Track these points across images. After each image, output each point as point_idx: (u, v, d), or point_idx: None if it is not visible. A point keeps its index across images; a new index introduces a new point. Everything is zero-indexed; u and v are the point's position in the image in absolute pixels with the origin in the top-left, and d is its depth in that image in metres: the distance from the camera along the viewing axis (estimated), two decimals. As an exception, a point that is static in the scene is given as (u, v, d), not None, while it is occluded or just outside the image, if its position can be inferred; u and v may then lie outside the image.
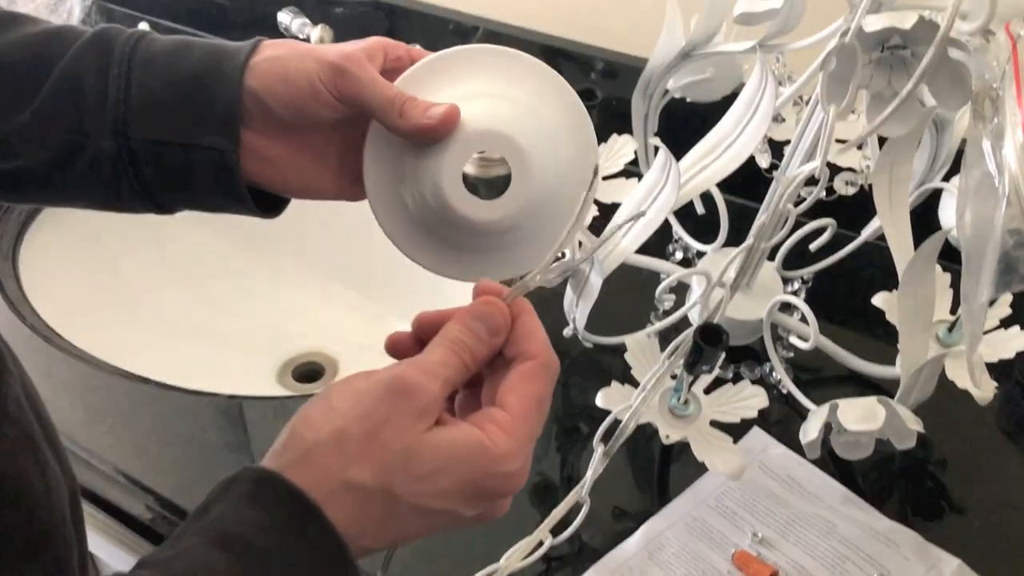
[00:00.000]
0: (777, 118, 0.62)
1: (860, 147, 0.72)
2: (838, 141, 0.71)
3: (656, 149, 0.62)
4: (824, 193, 0.55)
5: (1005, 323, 0.68)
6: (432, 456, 0.37)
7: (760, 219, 0.58)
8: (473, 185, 0.48)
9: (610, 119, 0.93)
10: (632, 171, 0.74)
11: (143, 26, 1.15)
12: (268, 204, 0.52)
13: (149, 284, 1.03)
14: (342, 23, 1.09)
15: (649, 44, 0.72)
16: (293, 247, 1.06)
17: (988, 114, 0.47)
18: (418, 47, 0.52)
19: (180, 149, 0.47)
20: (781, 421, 0.75)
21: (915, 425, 0.58)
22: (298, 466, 0.37)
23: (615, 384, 0.62)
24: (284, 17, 1.06)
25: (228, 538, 0.35)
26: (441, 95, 0.49)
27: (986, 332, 0.67)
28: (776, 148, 0.70)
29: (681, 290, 0.83)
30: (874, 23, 0.47)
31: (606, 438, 0.59)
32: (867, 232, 0.77)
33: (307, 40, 1.04)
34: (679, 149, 0.65)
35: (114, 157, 0.47)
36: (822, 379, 0.78)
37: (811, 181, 0.54)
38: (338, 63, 0.47)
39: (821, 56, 0.51)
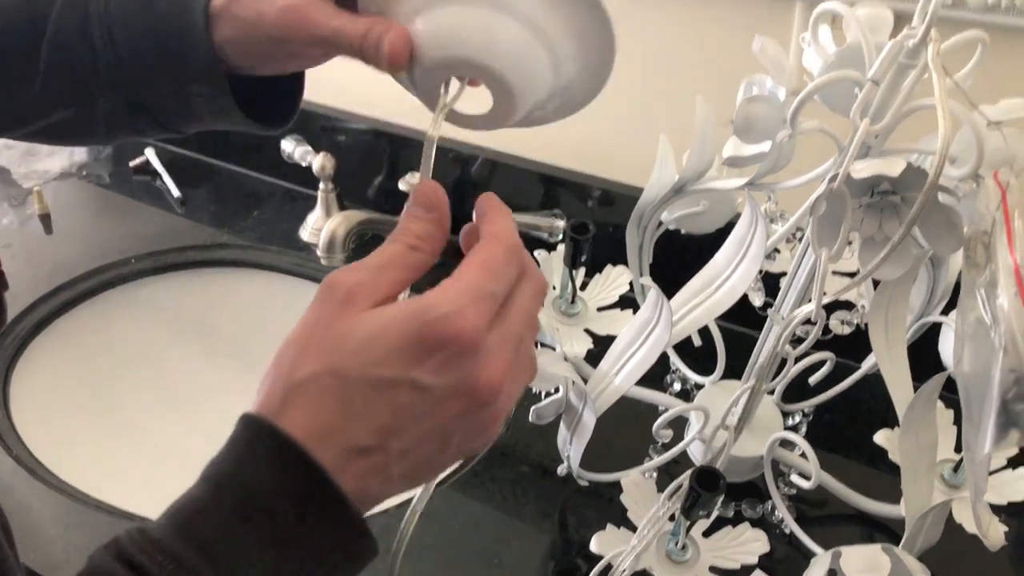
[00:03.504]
0: (770, 255, 0.61)
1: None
2: (834, 273, 0.71)
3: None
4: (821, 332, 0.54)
5: (1013, 462, 0.66)
6: (366, 329, 0.37)
7: (759, 361, 0.57)
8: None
9: (607, 246, 0.93)
10: (629, 297, 0.74)
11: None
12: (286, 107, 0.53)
13: (141, 412, 1.01)
14: (344, 151, 1.11)
15: (644, 173, 0.72)
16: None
17: (981, 261, 0.46)
18: None
19: (177, 97, 0.49)
20: (785, 560, 0.72)
21: (923, 575, 0.56)
22: (259, 396, 0.38)
23: (610, 528, 0.60)
24: (287, 145, 1.08)
25: (207, 475, 0.37)
26: None
27: (993, 472, 0.65)
28: (771, 279, 0.69)
29: (680, 422, 0.82)
30: (862, 170, 0.47)
31: (600, 587, 0.56)
32: (867, 364, 0.76)
33: (309, 168, 1.06)
34: (675, 277, 0.64)
35: (124, 107, 0.50)
36: (827, 516, 0.76)
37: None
38: (281, 32, 0.45)
39: (810, 200, 0.51)
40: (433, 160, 0.42)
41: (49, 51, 0.49)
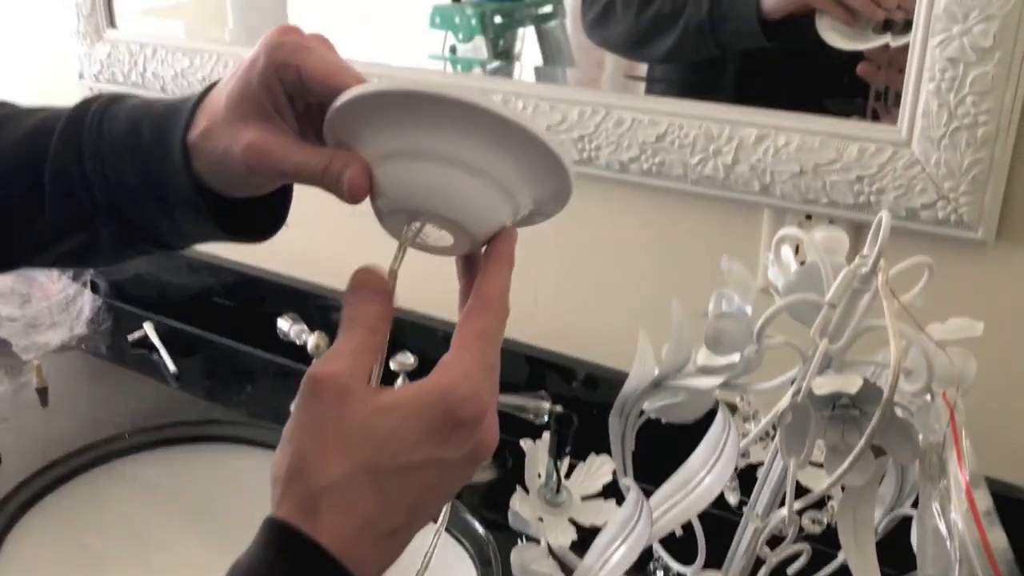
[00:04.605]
0: (745, 454, 0.65)
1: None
2: (812, 464, 0.74)
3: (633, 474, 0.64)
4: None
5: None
6: (387, 419, 0.39)
7: (736, 561, 0.60)
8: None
9: (592, 426, 0.96)
10: (614, 484, 0.76)
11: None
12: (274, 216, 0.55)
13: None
14: (337, 329, 1.15)
15: (626, 357, 0.76)
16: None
17: (936, 473, 0.50)
18: (318, 47, 0.46)
19: (168, 220, 0.52)
20: None
21: None
22: (281, 503, 0.39)
23: None
24: (283, 324, 1.12)
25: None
26: (377, 139, 0.43)
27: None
28: (749, 468, 0.72)
29: (663, 611, 0.82)
30: (822, 386, 0.51)
31: None
32: (843, 556, 0.78)
33: (304, 346, 1.10)
34: (658, 462, 0.67)
35: (124, 231, 0.53)
36: None
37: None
38: (246, 168, 0.47)
39: (776, 409, 0.55)
40: (395, 294, 0.44)
41: (51, 182, 0.52)
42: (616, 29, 0.93)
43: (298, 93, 0.47)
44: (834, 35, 0.78)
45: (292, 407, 0.42)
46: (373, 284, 0.44)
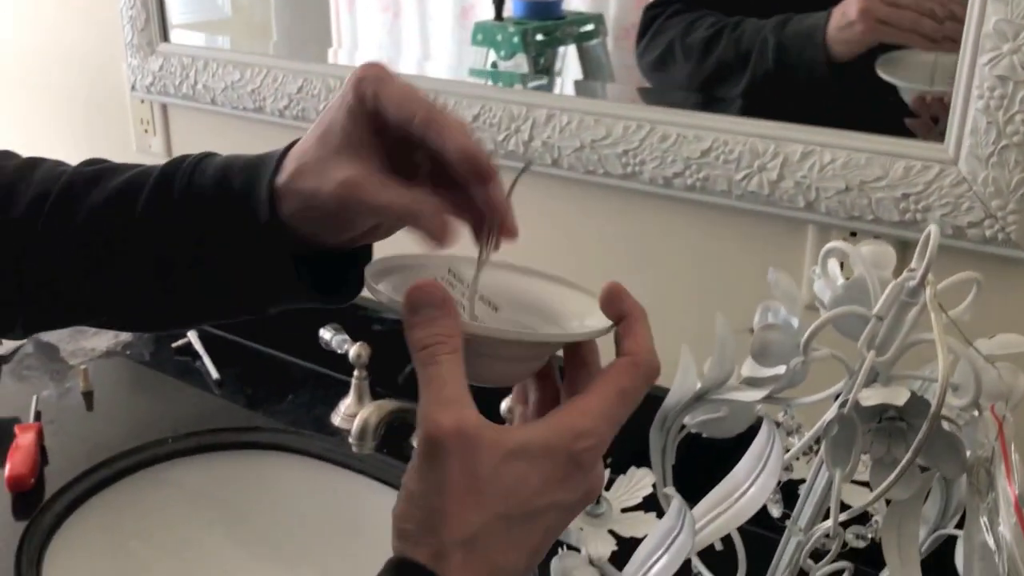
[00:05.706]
0: (789, 468, 0.65)
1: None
2: (854, 483, 0.74)
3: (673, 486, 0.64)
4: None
5: None
6: (518, 457, 0.41)
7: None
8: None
9: (632, 442, 0.96)
10: (653, 498, 0.76)
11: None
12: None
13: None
14: (381, 339, 1.16)
15: (669, 371, 0.76)
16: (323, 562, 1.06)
17: (984, 487, 0.50)
18: (398, 79, 0.47)
19: (251, 274, 0.52)
20: None
21: None
22: (418, 550, 0.41)
23: None
24: (325, 333, 1.14)
25: None
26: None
27: None
28: (792, 484, 0.72)
29: (701, 627, 0.82)
30: (869, 397, 0.51)
31: None
32: (885, 573, 0.77)
33: (345, 355, 1.11)
34: (698, 476, 0.67)
35: (205, 286, 0.54)
36: None
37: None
38: (336, 203, 0.48)
39: (822, 421, 0.55)
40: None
41: (140, 232, 0.52)
42: (677, 75, 0.94)
43: (382, 125, 0.47)
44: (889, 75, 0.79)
45: (413, 457, 0.42)
46: (433, 299, 0.43)
